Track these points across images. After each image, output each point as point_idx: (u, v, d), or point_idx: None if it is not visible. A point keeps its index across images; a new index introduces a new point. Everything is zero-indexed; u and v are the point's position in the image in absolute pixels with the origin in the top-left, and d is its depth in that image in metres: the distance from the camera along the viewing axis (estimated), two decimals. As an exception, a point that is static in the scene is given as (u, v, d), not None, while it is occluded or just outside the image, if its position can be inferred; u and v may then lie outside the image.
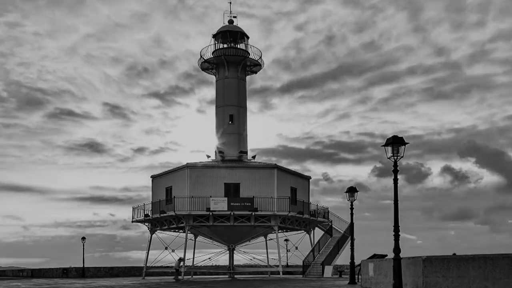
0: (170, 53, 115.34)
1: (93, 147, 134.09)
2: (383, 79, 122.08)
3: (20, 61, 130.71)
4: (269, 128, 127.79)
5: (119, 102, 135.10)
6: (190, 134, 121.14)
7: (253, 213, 39.73)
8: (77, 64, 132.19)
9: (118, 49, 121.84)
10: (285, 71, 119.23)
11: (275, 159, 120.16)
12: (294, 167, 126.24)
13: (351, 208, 26.64)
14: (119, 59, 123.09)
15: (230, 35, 45.81)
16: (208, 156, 45.37)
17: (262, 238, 48.74)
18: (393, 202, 16.23)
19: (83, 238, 55.47)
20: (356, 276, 27.60)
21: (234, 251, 46.58)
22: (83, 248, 54.96)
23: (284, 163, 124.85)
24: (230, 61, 45.12)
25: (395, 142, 16.04)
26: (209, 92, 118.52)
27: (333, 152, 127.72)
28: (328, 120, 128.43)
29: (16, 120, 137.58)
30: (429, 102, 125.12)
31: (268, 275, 47.49)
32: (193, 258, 48.48)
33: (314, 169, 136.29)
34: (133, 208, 45.23)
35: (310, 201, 45.96)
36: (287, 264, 50.63)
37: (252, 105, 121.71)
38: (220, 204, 39.40)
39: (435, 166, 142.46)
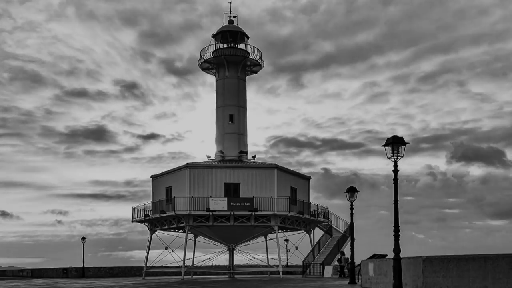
0: (194, 13, 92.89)
1: (99, 134, 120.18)
2: (435, 49, 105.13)
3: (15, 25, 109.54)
4: (295, 111, 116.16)
5: (131, 79, 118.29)
6: (207, 119, 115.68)
7: (253, 213, 39.73)
8: (81, 29, 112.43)
9: (131, 9, 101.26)
10: (326, 40, 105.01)
11: (296, 150, 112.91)
12: (316, 159, 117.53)
13: (351, 208, 26.64)
14: (133, 21, 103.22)
15: (230, 35, 45.82)
16: (208, 156, 45.42)
17: (262, 238, 48.74)
18: (393, 202, 16.23)
19: (83, 238, 55.49)
20: (356, 276, 27.60)
21: (234, 251, 46.59)
22: (83, 248, 55.02)
23: (303, 155, 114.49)
24: (230, 61, 45.12)
25: (395, 142, 16.04)
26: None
27: (360, 143, 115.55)
28: (361, 101, 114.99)
29: (12, 102, 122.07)
30: (481, 80, 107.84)
31: (268, 275, 47.47)
32: (193, 258, 48.52)
33: (337, 162, 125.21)
34: (133, 208, 45.32)
35: (310, 200, 46.00)
36: (287, 264, 50.65)
37: (279, 83, 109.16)
38: (220, 204, 39.40)
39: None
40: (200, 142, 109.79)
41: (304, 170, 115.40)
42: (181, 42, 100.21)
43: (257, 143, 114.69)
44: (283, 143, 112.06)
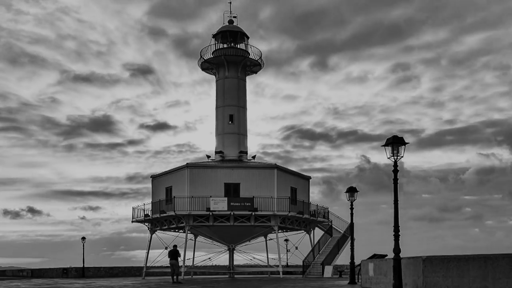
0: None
1: (102, 125, 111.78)
2: (481, 24, 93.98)
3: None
4: (316, 97, 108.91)
5: (141, 61, 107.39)
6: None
7: (253, 213, 39.74)
8: (84, 4, 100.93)
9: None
10: (359, 14, 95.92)
11: (308, 144, 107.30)
12: (333, 153, 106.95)
13: (351, 208, 26.63)
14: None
15: (230, 35, 45.85)
16: (208, 156, 45.45)
17: (262, 238, 48.75)
18: (393, 202, 16.22)
19: (83, 238, 55.47)
20: (356, 276, 27.59)
21: (234, 251, 46.60)
22: (83, 248, 55.01)
23: (321, 149, 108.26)
24: (230, 61, 45.15)
25: (395, 142, 16.03)
26: (263, 44, 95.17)
27: (382, 134, 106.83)
28: (387, 86, 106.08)
29: (7, 88, 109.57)
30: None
31: (268, 275, 47.47)
32: (193, 258, 48.55)
33: (355, 157, 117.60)
34: (133, 208, 45.37)
35: (311, 200, 46.03)
36: (287, 264, 50.66)
37: (302, 65, 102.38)
38: (220, 204, 39.41)
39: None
40: (209, 133, 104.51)
41: (317, 165, 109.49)
42: (199, 17, 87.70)
43: (271, 134, 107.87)
44: (297, 134, 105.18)
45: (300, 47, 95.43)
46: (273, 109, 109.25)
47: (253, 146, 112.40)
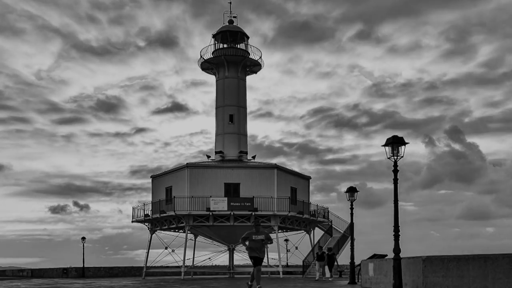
0: None
1: (106, 108, 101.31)
2: None
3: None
4: (357, 74, 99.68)
5: (159, 29, 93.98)
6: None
7: (253, 213, 39.75)
8: None
9: None
10: None
11: (335, 132, 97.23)
12: (363, 141, 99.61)
13: (351, 208, 26.58)
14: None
15: (230, 35, 45.87)
16: (208, 156, 45.50)
17: (262, 238, 48.67)
18: (393, 202, 16.21)
19: (83, 238, 55.49)
20: (356, 276, 27.57)
21: (234, 251, 46.62)
22: (83, 248, 55.03)
23: (350, 139, 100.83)
24: (230, 61, 45.18)
25: (395, 142, 16.00)
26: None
27: (421, 120, 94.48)
28: (437, 59, 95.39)
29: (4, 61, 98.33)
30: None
31: (268, 275, 47.45)
32: (193, 258, 48.55)
33: (382, 148, 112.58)
34: (133, 208, 45.41)
35: (310, 200, 46.03)
36: (287, 264, 50.65)
37: (345, 35, 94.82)
38: (220, 204, 39.42)
39: None
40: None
41: (343, 154, 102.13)
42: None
43: (295, 119, 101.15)
44: (323, 121, 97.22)
45: (345, 14, 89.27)
46: (304, 89, 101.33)
47: (273, 133, 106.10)
